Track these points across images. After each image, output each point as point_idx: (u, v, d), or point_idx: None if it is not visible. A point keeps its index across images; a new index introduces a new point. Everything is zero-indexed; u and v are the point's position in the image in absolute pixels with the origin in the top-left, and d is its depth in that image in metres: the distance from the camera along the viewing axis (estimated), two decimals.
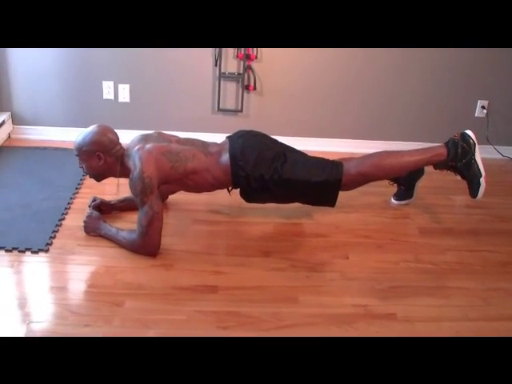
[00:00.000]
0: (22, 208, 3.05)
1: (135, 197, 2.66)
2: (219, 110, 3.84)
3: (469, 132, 2.87)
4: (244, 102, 3.85)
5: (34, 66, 3.75)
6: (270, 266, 2.71)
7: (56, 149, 3.78)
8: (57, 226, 2.92)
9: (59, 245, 2.79)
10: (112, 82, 3.79)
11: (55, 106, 3.88)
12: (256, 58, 3.68)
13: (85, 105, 3.88)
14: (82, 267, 2.64)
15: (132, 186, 2.65)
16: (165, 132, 2.96)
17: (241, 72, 3.73)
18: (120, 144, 2.80)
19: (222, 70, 3.74)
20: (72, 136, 3.77)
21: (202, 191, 2.90)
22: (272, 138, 2.94)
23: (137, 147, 2.71)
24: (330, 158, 2.92)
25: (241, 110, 3.85)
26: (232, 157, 2.74)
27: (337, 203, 2.86)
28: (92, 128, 2.78)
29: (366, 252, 2.86)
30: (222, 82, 3.79)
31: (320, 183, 2.72)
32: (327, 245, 2.90)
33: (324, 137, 4.00)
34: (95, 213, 2.89)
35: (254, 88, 3.77)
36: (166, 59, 3.74)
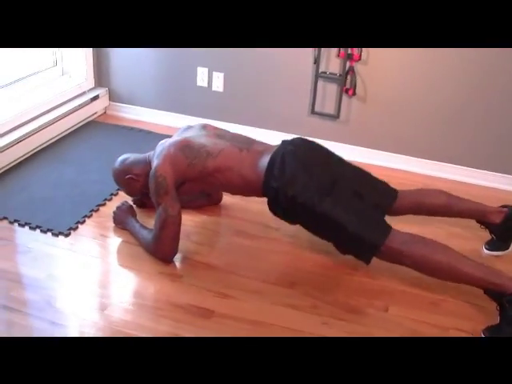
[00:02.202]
0: (70, 186, 2.96)
1: (151, 196, 2.41)
2: (313, 112, 3.42)
3: None
4: (343, 108, 3.38)
5: None
6: (288, 300, 2.30)
7: (141, 131, 3.65)
8: (92, 211, 2.78)
9: (83, 231, 2.65)
10: (207, 69, 3.56)
11: (150, 87, 3.76)
12: (360, 58, 3.20)
13: (178, 90, 3.70)
14: (91, 260, 2.47)
15: (149, 185, 2.41)
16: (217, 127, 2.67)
17: (345, 73, 3.28)
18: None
19: (323, 69, 3.32)
20: (163, 119, 3.71)
21: (231, 192, 2.57)
22: (337, 161, 2.47)
23: (161, 142, 2.47)
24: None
25: (337, 116, 3.39)
26: (271, 162, 2.34)
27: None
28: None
29: (412, 307, 2.31)
30: (321, 83, 3.36)
31: (355, 236, 2.20)
32: (368, 288, 2.40)
33: (431, 159, 3.39)
34: (127, 205, 2.70)
35: (354, 93, 3.28)
36: (264, 51, 3.40)
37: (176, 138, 2.49)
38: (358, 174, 2.46)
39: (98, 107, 3.78)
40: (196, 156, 2.39)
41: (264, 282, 2.41)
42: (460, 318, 2.27)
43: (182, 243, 2.58)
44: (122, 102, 3.85)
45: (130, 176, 2.57)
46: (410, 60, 3.18)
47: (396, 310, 2.30)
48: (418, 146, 3.38)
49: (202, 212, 2.85)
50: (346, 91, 3.30)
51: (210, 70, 3.56)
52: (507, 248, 2.61)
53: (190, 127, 2.65)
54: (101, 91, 3.78)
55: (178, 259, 2.49)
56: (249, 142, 2.52)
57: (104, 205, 2.84)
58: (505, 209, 2.54)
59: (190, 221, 2.76)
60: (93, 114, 3.76)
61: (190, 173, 2.40)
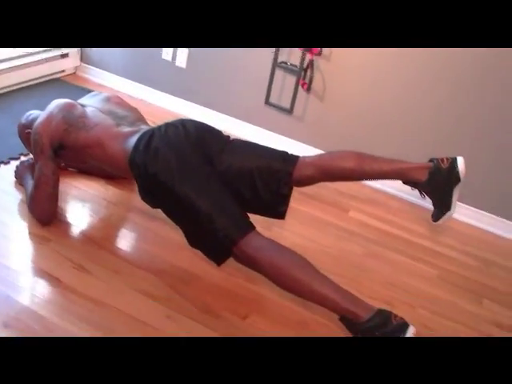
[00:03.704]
0: None
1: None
2: (267, 103, 3.24)
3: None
4: (299, 104, 3.18)
5: None
6: (145, 286, 2.16)
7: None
8: (1, 162, 2.72)
9: None
10: None
11: (119, 53, 3.66)
12: (320, 53, 2.99)
13: (144, 60, 3.60)
14: None
15: None
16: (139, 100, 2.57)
17: (303, 66, 3.07)
18: None
19: (284, 59, 3.12)
20: (126, 88, 3.61)
21: (106, 169, 2.42)
22: (222, 143, 2.22)
23: (55, 100, 2.42)
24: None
25: (291, 111, 3.19)
26: (140, 138, 2.16)
27: None
28: None
29: (275, 321, 2.13)
30: (281, 74, 3.17)
31: (208, 228, 1.96)
32: (240, 292, 2.24)
33: None
34: (31, 161, 2.61)
35: (309, 88, 3.08)
36: None
37: (66, 100, 2.39)
38: (246, 156, 2.21)
39: (67, 65, 3.73)
40: (73, 124, 2.28)
41: (131, 263, 2.27)
42: None
43: (74, 209, 2.50)
44: (92, 65, 3.78)
45: (28, 131, 2.49)
46: (376, 62, 2.95)
47: (256, 320, 2.11)
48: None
49: (116, 184, 2.73)
50: (303, 85, 3.10)
51: None
52: (449, 208, 2.19)
53: (97, 94, 2.58)
54: (72, 50, 3.71)
55: (59, 223, 2.39)
56: (134, 121, 2.37)
57: (17, 159, 2.77)
58: (429, 163, 2.18)
59: (95, 189, 2.67)
60: (61, 72, 3.71)
61: (65, 139, 2.28)
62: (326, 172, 2.23)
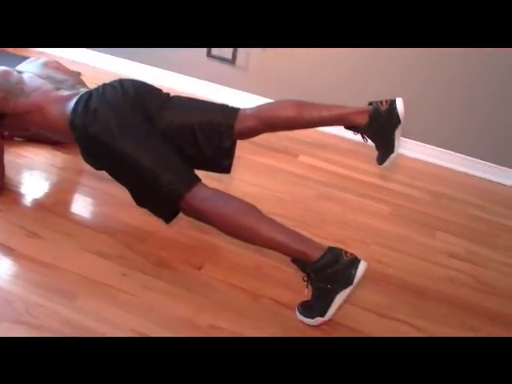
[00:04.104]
0: None
1: None
2: (209, 55, 3.22)
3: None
4: (241, 53, 3.17)
5: None
6: (99, 246, 2.16)
7: None
8: None
9: None
10: None
11: None
12: None
13: None
14: None
15: None
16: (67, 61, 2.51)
17: None
18: None
19: None
20: (69, 54, 3.53)
21: (50, 136, 2.39)
22: (162, 100, 2.20)
23: None
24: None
25: (233, 62, 3.18)
26: (78, 99, 2.13)
27: None
28: None
29: (231, 268, 2.17)
30: None
31: (152, 183, 1.96)
32: (193, 243, 2.26)
33: None
34: None
35: None
36: None
37: (1, 67, 2.34)
38: (186, 112, 2.19)
39: None
40: (11, 91, 2.23)
41: (84, 226, 2.26)
42: (281, 287, 2.11)
43: (22, 178, 2.48)
44: None
45: None
46: None
47: (211, 269, 2.14)
48: (321, 99, 3.12)
49: (64, 149, 2.72)
50: None
51: None
52: (392, 150, 2.20)
53: (34, 60, 2.52)
54: None
55: (9, 193, 2.37)
56: (74, 85, 2.34)
57: None
58: (369, 106, 2.19)
59: (42, 156, 2.65)
60: None
61: (4, 107, 2.24)
62: (267, 123, 2.23)
